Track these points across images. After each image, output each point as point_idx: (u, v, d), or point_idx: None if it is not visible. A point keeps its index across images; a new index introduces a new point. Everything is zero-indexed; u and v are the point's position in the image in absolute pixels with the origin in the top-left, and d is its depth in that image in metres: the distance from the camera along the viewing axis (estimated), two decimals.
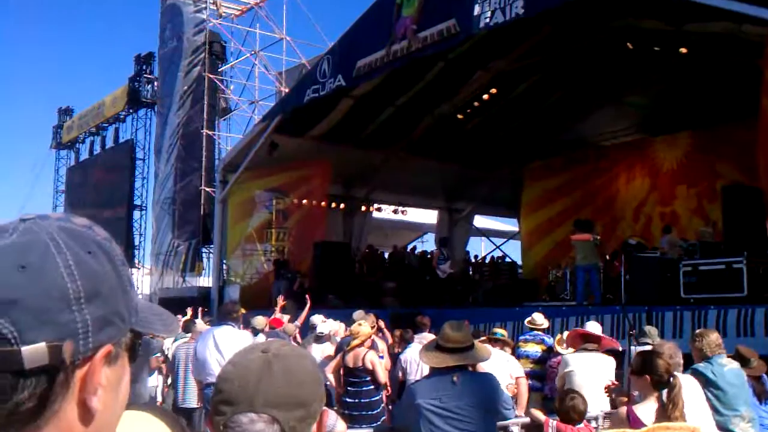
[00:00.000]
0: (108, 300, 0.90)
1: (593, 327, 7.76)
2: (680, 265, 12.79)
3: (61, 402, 0.86)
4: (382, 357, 9.14)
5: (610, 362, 7.51)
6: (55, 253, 0.87)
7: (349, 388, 8.25)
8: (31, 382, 0.83)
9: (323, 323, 10.73)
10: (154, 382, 10.71)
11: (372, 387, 8.22)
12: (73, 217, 0.96)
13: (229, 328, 8.15)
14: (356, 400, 8.12)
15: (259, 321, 10.93)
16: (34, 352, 0.82)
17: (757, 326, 10.25)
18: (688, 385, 5.10)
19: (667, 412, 4.40)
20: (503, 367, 7.93)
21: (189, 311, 14.00)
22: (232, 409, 1.38)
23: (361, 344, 8.25)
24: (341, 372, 8.48)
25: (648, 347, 7.04)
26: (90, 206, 34.45)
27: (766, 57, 11.98)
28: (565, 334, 8.50)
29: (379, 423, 8.05)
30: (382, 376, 8.34)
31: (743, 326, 10.39)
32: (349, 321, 10.04)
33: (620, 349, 8.09)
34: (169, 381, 11.04)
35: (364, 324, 8.62)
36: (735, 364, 6.04)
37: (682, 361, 5.55)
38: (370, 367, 8.16)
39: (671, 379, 4.54)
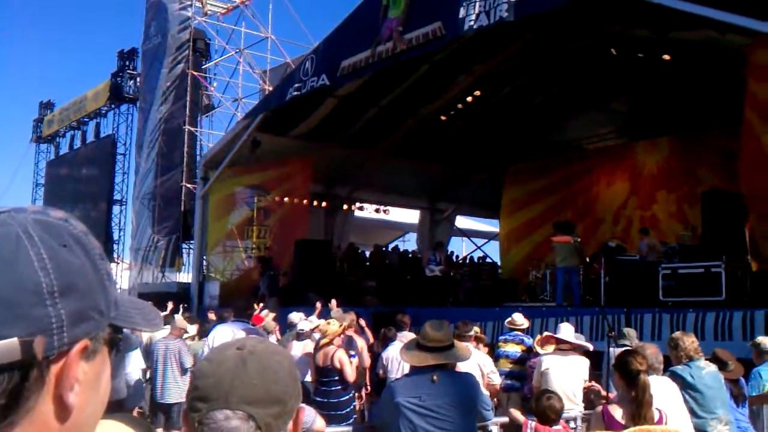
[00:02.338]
0: (84, 294, 0.87)
1: (566, 329, 7.79)
2: (659, 268, 12.89)
3: (36, 398, 0.83)
4: (354, 356, 9.12)
5: (585, 362, 7.57)
6: (27, 246, 0.85)
7: (319, 387, 8.19)
8: (3, 378, 0.81)
9: (303, 321, 10.73)
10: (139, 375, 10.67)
11: (339, 387, 8.15)
12: (50, 209, 0.93)
13: (245, 326, 8.14)
14: (325, 400, 8.03)
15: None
16: (6, 347, 0.80)
17: (735, 330, 10.34)
18: (665, 387, 5.14)
19: (633, 410, 4.44)
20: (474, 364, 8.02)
21: (170, 305, 13.98)
22: (207, 405, 1.36)
23: (330, 342, 8.20)
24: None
25: (627, 348, 7.11)
26: (69, 200, 34.27)
27: (749, 67, 12.08)
28: (545, 334, 8.53)
29: (349, 422, 8.00)
30: (351, 376, 8.25)
31: (721, 330, 10.48)
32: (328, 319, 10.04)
33: (590, 348, 8.12)
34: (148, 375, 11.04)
35: (333, 322, 8.60)
36: (713, 367, 6.09)
37: (662, 366, 5.59)
38: (339, 366, 8.11)
39: (639, 377, 4.58)
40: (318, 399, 8.02)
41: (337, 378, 8.12)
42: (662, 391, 5.04)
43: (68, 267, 0.86)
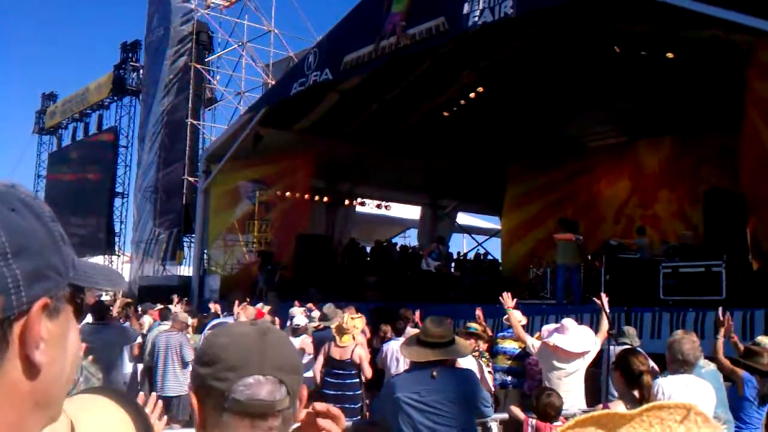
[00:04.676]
0: (38, 254, 0.89)
1: (569, 323, 7.71)
2: (660, 266, 12.89)
3: (1, 358, 0.85)
4: None
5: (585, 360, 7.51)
6: None
7: (331, 380, 8.18)
8: None
9: (299, 315, 10.77)
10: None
11: (357, 380, 8.21)
12: None
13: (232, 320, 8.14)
14: (340, 393, 8.05)
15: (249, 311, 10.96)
16: None
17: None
18: (698, 387, 5.12)
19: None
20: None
21: (176, 298, 14.00)
22: (236, 373, 1.39)
23: (352, 338, 8.29)
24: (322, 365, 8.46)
25: (627, 346, 7.10)
26: (71, 193, 34.29)
27: (753, 66, 12.04)
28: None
29: (358, 417, 8.05)
30: (368, 372, 8.33)
31: None
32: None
33: (592, 351, 8.01)
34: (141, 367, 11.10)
35: (357, 319, 8.64)
36: (712, 366, 6.09)
37: (698, 362, 5.54)
38: (358, 361, 8.17)
39: (642, 377, 4.57)
40: (331, 392, 8.00)
41: (354, 372, 8.16)
42: (695, 391, 5.03)
43: (18, 229, 0.88)
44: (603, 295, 7.62)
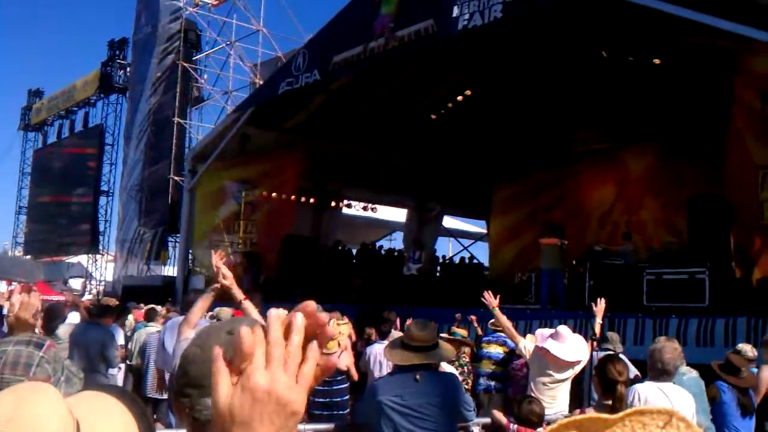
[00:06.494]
0: None
1: (565, 331, 7.67)
2: (644, 273, 12.92)
3: None
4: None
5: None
6: None
7: (319, 388, 8.10)
8: None
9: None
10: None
11: (344, 386, 8.18)
12: None
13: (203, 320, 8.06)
14: (328, 399, 7.99)
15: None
16: None
17: (717, 336, 10.38)
18: (677, 396, 5.12)
19: None
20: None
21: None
22: (198, 392, 1.35)
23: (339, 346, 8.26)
24: None
25: (609, 352, 7.10)
26: (55, 189, 34.14)
27: (741, 74, 12.08)
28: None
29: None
30: (356, 376, 8.32)
31: (703, 336, 10.52)
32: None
33: (582, 361, 7.99)
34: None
35: (343, 325, 8.62)
36: (694, 373, 6.10)
37: (677, 370, 5.53)
38: (344, 368, 8.14)
39: (616, 387, 4.58)
40: (320, 400, 7.90)
41: (341, 378, 8.12)
42: (672, 397, 5.03)
43: None
44: (601, 301, 7.60)
